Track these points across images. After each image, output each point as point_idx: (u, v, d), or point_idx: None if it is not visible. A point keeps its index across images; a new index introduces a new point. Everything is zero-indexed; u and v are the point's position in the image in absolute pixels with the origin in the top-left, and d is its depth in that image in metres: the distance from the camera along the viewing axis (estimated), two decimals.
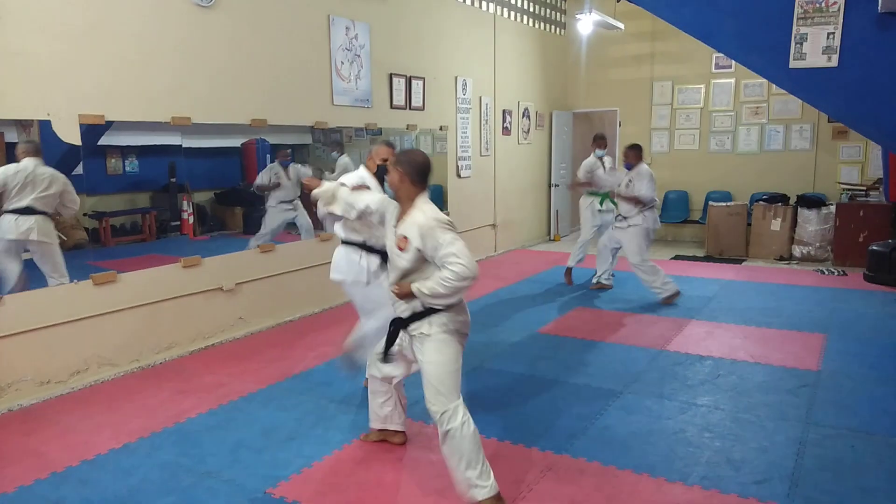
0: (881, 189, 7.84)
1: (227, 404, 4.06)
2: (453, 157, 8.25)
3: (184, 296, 5.04)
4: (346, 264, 3.91)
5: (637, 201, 6.36)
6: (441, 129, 7.95)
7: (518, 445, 3.42)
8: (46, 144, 4.22)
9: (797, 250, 8.58)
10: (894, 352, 4.84)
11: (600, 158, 7.14)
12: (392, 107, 7.09)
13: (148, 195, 5.16)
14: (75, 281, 4.40)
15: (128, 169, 4.92)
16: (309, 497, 2.98)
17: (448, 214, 8.07)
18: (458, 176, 8.36)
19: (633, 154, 6.49)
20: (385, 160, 3.77)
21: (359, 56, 6.55)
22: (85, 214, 4.57)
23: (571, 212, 11.31)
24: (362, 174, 3.93)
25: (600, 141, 7.24)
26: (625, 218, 6.52)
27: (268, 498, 2.98)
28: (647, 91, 10.40)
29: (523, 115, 9.84)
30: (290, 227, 6.24)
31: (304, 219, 6.27)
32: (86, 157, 4.44)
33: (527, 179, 10.16)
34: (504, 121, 9.34)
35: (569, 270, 7.30)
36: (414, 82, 7.37)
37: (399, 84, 7.15)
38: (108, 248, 4.79)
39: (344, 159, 6.67)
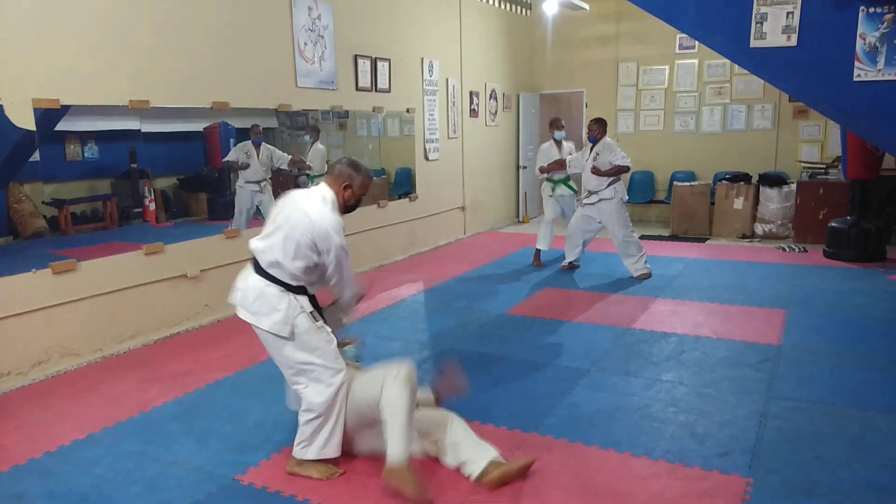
0: (840, 167, 8.01)
1: (194, 392, 4.02)
2: (421, 139, 8.20)
3: (147, 283, 4.96)
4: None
5: (618, 171, 6.43)
6: (408, 111, 7.90)
7: (487, 425, 3.44)
8: None
9: (759, 228, 8.75)
10: (852, 326, 4.98)
11: (558, 142, 7.20)
12: (358, 89, 7.01)
13: (109, 182, 5.04)
14: (34, 270, 4.29)
15: (87, 155, 4.80)
16: (278, 483, 2.97)
17: (416, 198, 8.12)
18: (426, 159, 8.33)
19: (599, 128, 6.54)
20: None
21: (322, 37, 6.46)
22: (44, 202, 4.45)
23: (540, 194, 11.36)
24: (338, 218, 2.98)
25: (557, 124, 7.32)
26: (593, 193, 6.56)
27: (236, 485, 2.97)
28: (612, 72, 10.45)
29: (490, 97, 9.82)
30: (257, 213, 6.16)
31: (269, 204, 6.18)
32: (42, 143, 4.32)
33: (495, 162, 10.17)
34: (471, 103, 9.31)
35: (538, 253, 7.34)
36: (380, 64, 7.29)
37: (364, 66, 7.07)
38: (69, 236, 4.68)
39: (319, 147, 6.60)
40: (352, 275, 3.10)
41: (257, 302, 2.94)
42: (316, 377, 2.96)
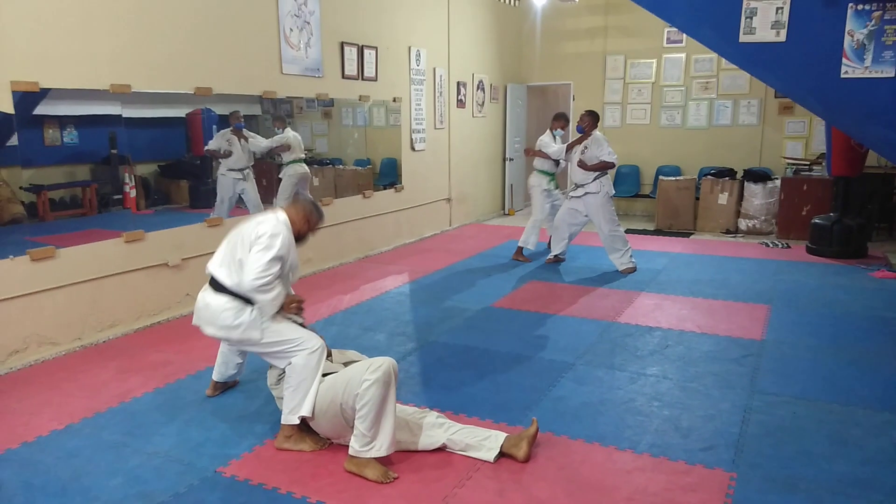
0: (824, 164, 8.07)
1: (175, 383, 3.96)
2: (407, 129, 8.15)
3: (127, 272, 4.88)
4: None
5: (604, 166, 6.41)
6: (394, 100, 7.83)
7: (472, 418, 3.43)
8: None
9: (743, 223, 8.80)
10: (834, 321, 5.02)
11: (555, 138, 7.10)
12: (344, 77, 6.94)
13: (88, 167, 4.94)
14: (11, 257, 4.20)
15: (66, 140, 4.70)
16: (261, 475, 2.94)
17: (402, 189, 8.07)
18: (413, 149, 8.28)
19: (591, 120, 6.49)
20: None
21: (308, 23, 6.37)
22: (22, 188, 4.36)
23: (526, 186, 11.35)
24: (283, 231, 3.12)
25: (561, 121, 7.06)
26: (580, 186, 6.55)
27: (218, 477, 2.93)
28: (600, 65, 10.44)
29: (478, 88, 9.77)
30: (239, 202, 6.08)
31: (252, 192, 6.11)
32: (21, 127, 4.22)
33: (481, 153, 10.13)
34: (458, 93, 9.26)
35: (519, 250, 7.26)
36: (366, 52, 7.22)
37: (351, 53, 7.00)
38: (47, 222, 4.58)
39: (289, 134, 6.47)
40: (265, 282, 3.03)
41: (222, 316, 3.14)
42: (296, 349, 3.11)
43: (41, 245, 4.38)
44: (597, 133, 6.51)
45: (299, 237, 3.24)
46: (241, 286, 3.09)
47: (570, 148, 6.70)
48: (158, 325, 5.07)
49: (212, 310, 3.17)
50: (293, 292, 3.40)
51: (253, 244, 3.06)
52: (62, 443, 3.24)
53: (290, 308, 3.26)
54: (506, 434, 3.08)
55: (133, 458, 3.09)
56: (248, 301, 3.13)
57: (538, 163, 7.10)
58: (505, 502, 2.72)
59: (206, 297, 3.23)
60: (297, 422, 3.11)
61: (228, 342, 3.38)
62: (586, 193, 6.50)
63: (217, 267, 3.21)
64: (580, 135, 6.55)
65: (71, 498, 2.78)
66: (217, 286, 3.19)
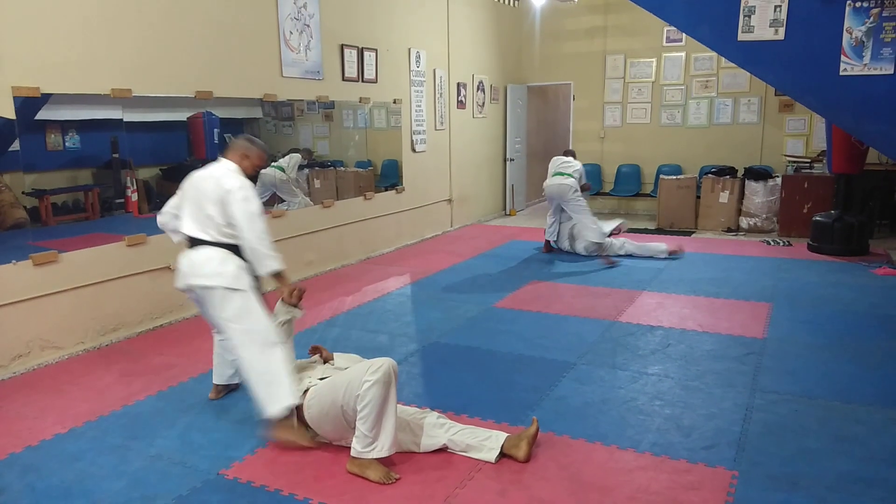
0: (825, 161, 8.07)
1: (178, 386, 3.98)
2: (408, 131, 8.16)
3: (130, 275, 4.90)
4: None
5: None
6: (395, 102, 7.85)
7: (474, 418, 3.43)
8: None
9: (744, 222, 8.80)
10: (836, 319, 5.02)
11: None
12: (344, 79, 6.96)
13: (90, 172, 4.96)
14: (14, 262, 4.22)
15: (68, 145, 4.72)
16: (263, 477, 2.94)
17: (403, 190, 8.08)
18: (413, 150, 8.29)
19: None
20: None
21: (308, 26, 6.39)
22: (24, 193, 4.37)
23: (527, 186, 11.36)
24: (244, 179, 3.34)
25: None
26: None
27: (221, 479, 2.94)
28: (600, 64, 10.44)
29: (478, 89, 9.78)
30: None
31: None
32: (23, 132, 4.24)
33: (482, 154, 10.14)
34: (459, 94, 9.27)
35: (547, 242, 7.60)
36: (366, 54, 7.23)
37: (351, 55, 7.01)
38: (50, 227, 4.60)
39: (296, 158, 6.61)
40: (265, 235, 3.25)
41: (207, 264, 3.25)
42: (253, 341, 3.18)
43: (44, 249, 4.40)
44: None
45: (248, 177, 3.39)
46: (213, 232, 3.26)
47: None
48: (161, 328, 5.08)
49: (196, 261, 3.28)
50: None
51: (224, 199, 3.21)
52: (65, 446, 3.26)
53: (292, 298, 3.30)
54: (506, 434, 3.09)
55: (136, 460, 3.10)
56: (232, 250, 3.27)
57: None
58: (506, 502, 2.73)
59: (189, 254, 3.33)
60: (283, 412, 3.10)
61: (212, 302, 3.27)
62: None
63: (190, 227, 3.32)
64: None
65: (74, 501, 2.79)
66: (197, 242, 3.31)
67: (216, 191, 3.24)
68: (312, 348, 3.52)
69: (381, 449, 2.87)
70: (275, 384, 3.11)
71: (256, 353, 3.16)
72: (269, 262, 3.22)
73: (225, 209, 3.23)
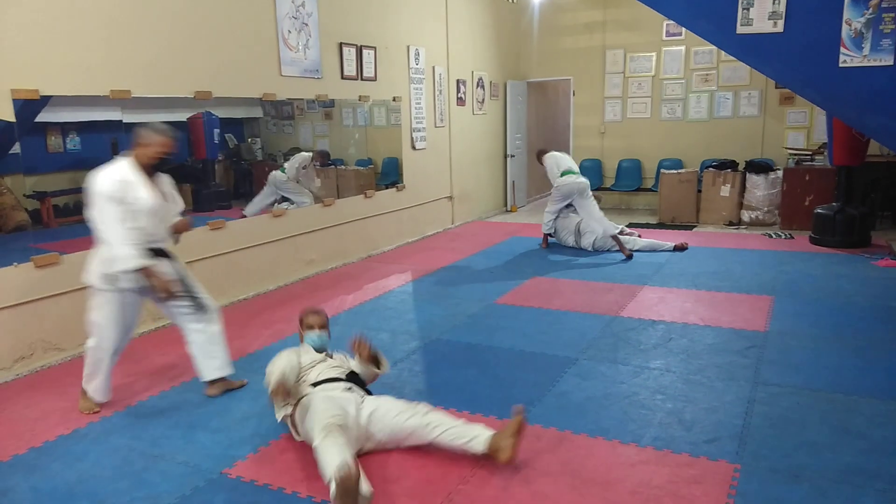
0: (826, 153, 8.05)
1: (180, 386, 3.99)
2: (407, 128, 8.16)
3: None
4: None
5: None
6: (394, 99, 7.84)
7: (476, 414, 3.44)
8: None
9: (746, 215, 8.78)
10: (838, 311, 5.02)
11: None
12: (343, 77, 6.95)
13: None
14: (16, 264, 4.23)
15: (69, 146, 4.73)
16: (267, 476, 2.95)
17: (404, 187, 8.08)
18: (413, 148, 8.29)
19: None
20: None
21: (306, 25, 6.39)
22: (25, 195, 4.38)
23: (528, 183, 11.35)
24: (126, 175, 3.33)
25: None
26: None
27: (224, 478, 2.95)
28: (599, 59, 10.42)
29: (477, 85, 9.77)
30: (241, 204, 6.10)
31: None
32: (23, 134, 4.24)
33: (483, 150, 10.13)
34: (458, 91, 9.26)
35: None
36: (365, 52, 7.23)
37: (349, 54, 7.01)
38: (52, 229, 4.61)
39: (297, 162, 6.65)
40: (116, 232, 3.31)
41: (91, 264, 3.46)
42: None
43: (46, 252, 4.41)
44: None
45: (152, 165, 3.38)
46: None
47: None
48: (163, 328, 5.09)
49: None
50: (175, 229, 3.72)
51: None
52: (69, 447, 3.27)
53: (163, 291, 3.51)
54: (492, 432, 2.94)
55: (139, 461, 3.11)
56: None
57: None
58: (509, 497, 2.73)
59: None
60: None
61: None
62: None
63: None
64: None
65: (78, 502, 2.80)
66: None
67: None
68: (358, 344, 3.36)
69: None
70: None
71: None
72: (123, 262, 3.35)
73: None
